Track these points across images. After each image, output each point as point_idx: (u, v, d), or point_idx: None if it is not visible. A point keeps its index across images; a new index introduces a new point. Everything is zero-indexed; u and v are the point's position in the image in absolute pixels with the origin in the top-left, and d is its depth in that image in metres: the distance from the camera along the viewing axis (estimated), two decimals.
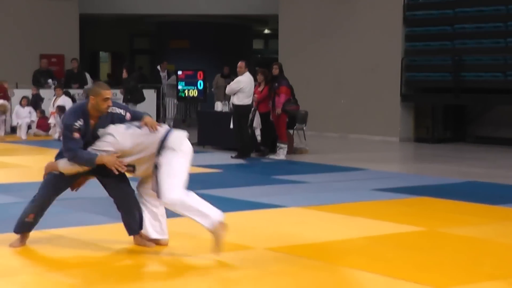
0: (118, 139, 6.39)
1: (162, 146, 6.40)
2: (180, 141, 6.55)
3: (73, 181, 6.61)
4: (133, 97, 17.35)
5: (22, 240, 6.62)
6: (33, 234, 6.93)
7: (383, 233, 7.52)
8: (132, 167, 6.45)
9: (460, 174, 12.28)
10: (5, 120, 18.24)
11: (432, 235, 7.55)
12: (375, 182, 11.15)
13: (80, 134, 6.37)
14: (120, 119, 6.56)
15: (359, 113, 19.36)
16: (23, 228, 6.60)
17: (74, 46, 23.86)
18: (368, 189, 10.43)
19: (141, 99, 17.71)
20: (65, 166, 6.47)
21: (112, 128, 6.47)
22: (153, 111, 21.39)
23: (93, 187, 10.04)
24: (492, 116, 18.30)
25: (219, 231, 6.28)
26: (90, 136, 6.46)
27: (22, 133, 17.98)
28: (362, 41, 19.39)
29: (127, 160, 6.39)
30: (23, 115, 18.21)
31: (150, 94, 20.56)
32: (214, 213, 6.38)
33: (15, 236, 6.63)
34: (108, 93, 6.47)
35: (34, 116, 18.55)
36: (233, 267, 6.23)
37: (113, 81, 23.91)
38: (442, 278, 5.83)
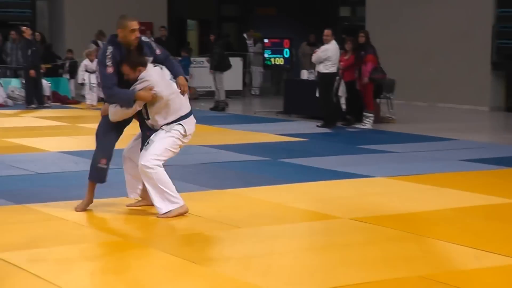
0: (160, 85, 6.49)
1: (178, 120, 6.55)
2: (192, 130, 6.73)
3: (127, 122, 6.78)
4: (220, 64, 17.41)
5: (87, 203, 6.76)
6: (122, 200, 7.09)
7: (471, 204, 7.39)
8: (147, 117, 6.58)
9: None
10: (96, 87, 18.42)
11: None
12: (464, 153, 10.94)
13: (114, 67, 6.46)
14: (150, 49, 6.64)
15: (448, 82, 18.98)
16: (99, 175, 6.78)
17: (162, 13, 24.10)
18: (456, 160, 10.25)
19: (228, 66, 17.78)
20: (113, 113, 6.61)
21: (161, 71, 6.57)
22: (239, 79, 21.47)
23: (184, 155, 10.20)
24: None
25: (164, 216, 6.52)
26: None
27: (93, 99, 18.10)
28: (451, 7, 18.94)
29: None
30: (91, 66, 18.17)
31: (236, 62, 20.62)
32: (175, 201, 6.56)
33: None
34: (135, 24, 6.52)
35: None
36: (319, 236, 6.23)
37: (199, 48, 24.06)
38: None
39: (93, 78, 18.07)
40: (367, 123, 14.17)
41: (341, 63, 14.31)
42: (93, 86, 18.09)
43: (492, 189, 8.14)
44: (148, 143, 6.55)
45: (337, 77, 14.32)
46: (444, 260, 5.55)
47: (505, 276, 5.18)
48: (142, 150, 6.57)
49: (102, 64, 6.53)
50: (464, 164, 9.87)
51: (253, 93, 22.26)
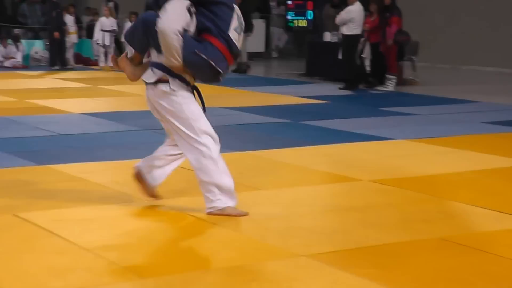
0: None
1: None
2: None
3: None
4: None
5: None
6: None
7: (493, 167, 7.37)
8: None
9: None
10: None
11: None
12: (486, 115, 10.88)
13: None
14: None
15: (472, 44, 18.81)
16: None
17: None
18: (479, 122, 10.20)
19: (250, 28, 17.70)
20: None
21: None
22: (261, 41, 21.40)
23: None
24: None
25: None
26: None
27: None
28: None
29: None
30: (107, 24, 18.01)
31: (258, 24, 20.53)
32: None
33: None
34: None
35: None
36: (339, 198, 6.25)
37: None
38: None
39: (108, 38, 17.88)
40: (390, 86, 14.11)
41: (367, 24, 14.22)
42: (107, 46, 17.89)
43: None
44: None
45: (362, 39, 14.24)
46: (464, 222, 5.54)
47: None
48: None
49: None
50: (487, 127, 9.82)
51: (275, 55, 22.18)
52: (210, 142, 5.38)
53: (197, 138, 5.35)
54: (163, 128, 5.73)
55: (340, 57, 14.45)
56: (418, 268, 4.53)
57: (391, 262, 4.62)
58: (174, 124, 5.39)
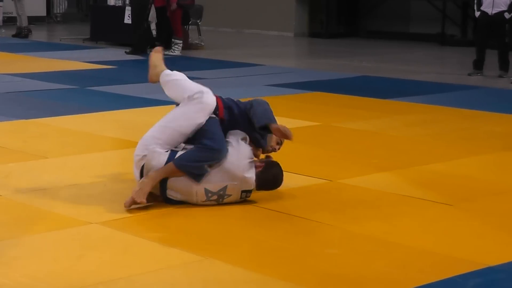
0: None
1: None
2: None
3: None
4: None
5: None
6: None
7: None
8: None
9: (352, 69, 12.50)
10: None
11: (326, 129, 7.72)
12: (269, 78, 11.23)
13: None
14: None
15: (255, 8, 19.26)
16: None
17: None
18: (261, 85, 10.51)
19: None
20: None
21: None
22: (42, 4, 20.72)
23: None
24: (384, 10, 18.53)
25: None
26: None
27: None
28: None
29: None
30: None
31: None
32: None
33: None
34: None
35: None
36: (128, 164, 6.21)
37: None
38: (335, 171, 6.00)
39: None
40: (176, 50, 14.17)
41: None
42: None
43: (297, 113, 8.45)
44: None
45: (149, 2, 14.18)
46: None
47: (309, 195, 5.44)
48: None
49: None
50: (270, 89, 10.14)
51: (58, 19, 21.55)
52: None
53: None
54: None
55: (126, 21, 14.30)
56: (199, 228, 4.64)
57: (178, 225, 4.69)
58: None
